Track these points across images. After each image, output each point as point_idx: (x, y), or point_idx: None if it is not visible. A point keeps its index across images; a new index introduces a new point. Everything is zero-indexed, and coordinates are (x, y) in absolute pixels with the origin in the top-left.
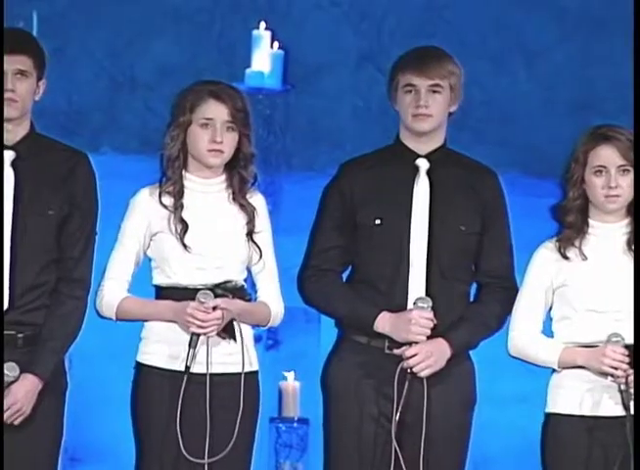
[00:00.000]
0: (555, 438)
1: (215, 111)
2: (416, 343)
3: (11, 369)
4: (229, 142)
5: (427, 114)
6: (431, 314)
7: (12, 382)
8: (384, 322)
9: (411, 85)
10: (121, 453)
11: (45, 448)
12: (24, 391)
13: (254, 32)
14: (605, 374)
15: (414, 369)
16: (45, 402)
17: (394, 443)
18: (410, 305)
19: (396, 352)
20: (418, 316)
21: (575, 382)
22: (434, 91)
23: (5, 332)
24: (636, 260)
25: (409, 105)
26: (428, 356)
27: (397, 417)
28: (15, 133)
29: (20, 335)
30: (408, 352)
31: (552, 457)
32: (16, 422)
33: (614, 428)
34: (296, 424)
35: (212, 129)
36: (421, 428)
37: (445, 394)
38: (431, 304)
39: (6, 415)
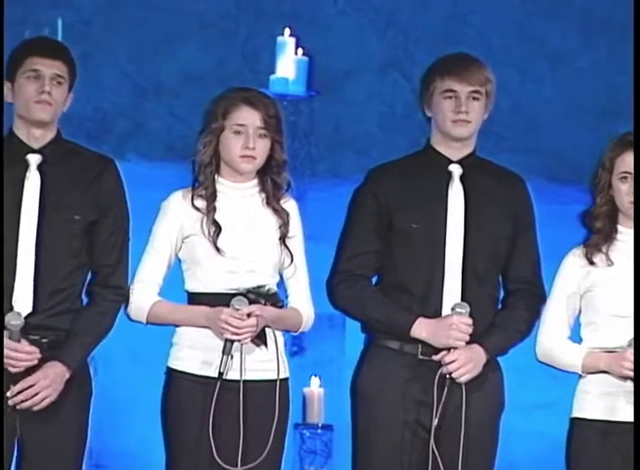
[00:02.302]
0: (579, 443)
1: (248, 117)
2: (454, 348)
3: (13, 318)
4: (261, 148)
5: (467, 120)
6: (470, 320)
7: (19, 331)
8: (421, 328)
9: (452, 91)
10: (147, 459)
11: (70, 453)
12: (52, 371)
13: (279, 39)
14: (626, 378)
15: (453, 374)
16: (70, 408)
17: (434, 448)
18: (445, 310)
19: (435, 357)
20: (458, 322)
21: (600, 387)
22: (474, 98)
23: (30, 336)
24: (636, 260)
25: (448, 110)
26: (467, 362)
27: (435, 422)
28: (42, 139)
29: (44, 340)
30: (448, 357)
31: (576, 462)
32: (43, 403)
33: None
34: (320, 430)
35: (245, 135)
36: (456, 433)
37: (480, 399)
38: (469, 309)
39: (32, 390)
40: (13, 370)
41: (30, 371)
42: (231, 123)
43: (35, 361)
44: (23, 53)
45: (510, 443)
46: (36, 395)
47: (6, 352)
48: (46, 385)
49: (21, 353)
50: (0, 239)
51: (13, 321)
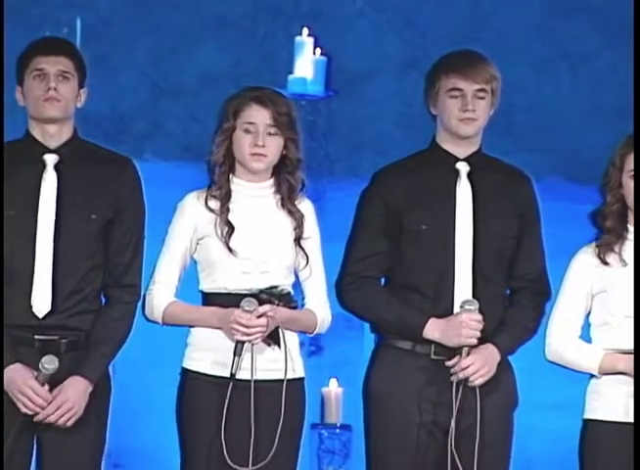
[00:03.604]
0: (593, 444)
1: (257, 115)
2: (467, 346)
3: (50, 362)
4: (272, 146)
5: (473, 118)
6: (479, 316)
7: (50, 375)
8: (433, 329)
9: (457, 89)
10: (165, 459)
11: (89, 454)
12: (74, 390)
13: (297, 39)
14: None
15: (470, 379)
16: (90, 408)
17: (453, 451)
18: (456, 310)
19: (448, 363)
20: (468, 319)
21: (613, 388)
22: (480, 97)
23: (48, 337)
24: (636, 261)
25: (455, 109)
26: (483, 365)
27: (453, 424)
28: (58, 137)
29: (63, 340)
30: (463, 362)
31: (590, 463)
32: (69, 423)
33: None
34: (338, 430)
35: (255, 133)
36: (471, 434)
37: (494, 399)
38: (478, 305)
39: (57, 414)
40: (23, 410)
41: (54, 384)
42: (241, 122)
43: (40, 410)
44: (28, 55)
45: (528, 442)
46: (62, 415)
47: (27, 391)
48: (69, 408)
49: (39, 398)
50: (0, 239)
51: (47, 365)
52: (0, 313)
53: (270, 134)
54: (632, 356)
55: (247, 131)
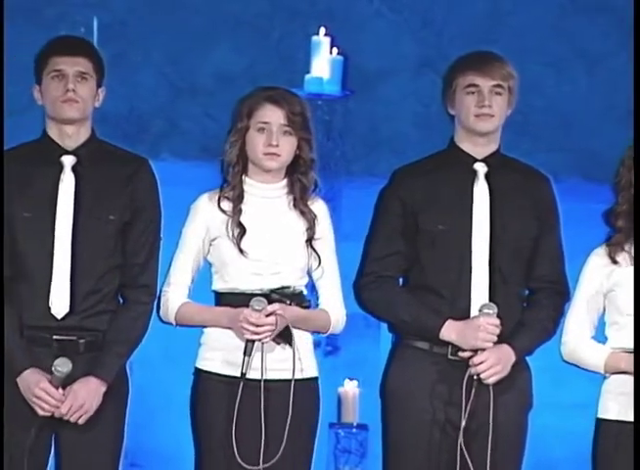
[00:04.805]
0: (604, 444)
1: (271, 115)
2: (483, 349)
3: (62, 364)
4: (286, 146)
5: (490, 114)
6: (497, 320)
7: (63, 378)
8: (449, 331)
9: (474, 86)
10: (182, 459)
11: (107, 453)
12: (86, 389)
13: (314, 38)
14: None
15: (482, 376)
16: (107, 407)
17: (463, 448)
18: (473, 311)
19: (462, 355)
20: (486, 323)
21: (624, 388)
22: (496, 92)
23: (66, 338)
24: (636, 260)
25: (472, 105)
26: (496, 363)
27: (464, 423)
28: (76, 138)
29: (81, 340)
30: (477, 358)
31: (603, 463)
32: (80, 421)
33: None
34: (355, 430)
35: (268, 133)
36: (485, 433)
37: (508, 399)
38: (496, 310)
39: (69, 412)
40: (40, 413)
41: (66, 384)
42: (255, 122)
43: (54, 410)
44: (46, 54)
45: (547, 442)
46: (74, 412)
47: (40, 393)
48: (79, 405)
49: (52, 399)
50: (0, 238)
51: (60, 367)
52: (0, 312)
53: (284, 134)
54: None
55: (261, 131)
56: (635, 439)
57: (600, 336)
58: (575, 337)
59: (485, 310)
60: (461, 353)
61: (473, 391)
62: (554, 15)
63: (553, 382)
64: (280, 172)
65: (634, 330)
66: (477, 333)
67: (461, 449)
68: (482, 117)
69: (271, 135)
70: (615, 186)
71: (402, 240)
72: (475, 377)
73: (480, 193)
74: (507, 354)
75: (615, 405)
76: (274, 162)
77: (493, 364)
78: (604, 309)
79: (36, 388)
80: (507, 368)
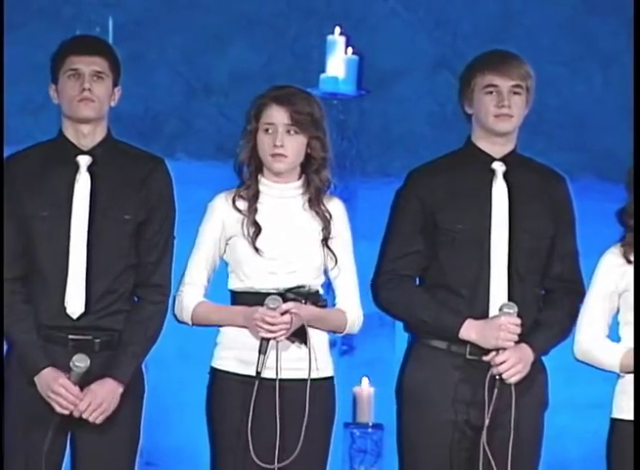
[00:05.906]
0: (619, 444)
1: (276, 115)
2: (503, 349)
3: (81, 360)
4: (292, 146)
5: (509, 114)
6: (518, 320)
7: (82, 374)
8: (469, 330)
9: (493, 86)
10: (197, 458)
11: (123, 452)
12: (104, 389)
13: (329, 38)
14: None
15: (504, 375)
16: (124, 408)
17: (486, 448)
18: (492, 310)
19: (485, 358)
20: (507, 322)
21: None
22: (515, 92)
23: (82, 337)
24: (636, 260)
25: (491, 105)
26: (517, 363)
27: (487, 421)
28: (91, 138)
29: (97, 340)
30: (498, 358)
31: (617, 462)
32: (98, 420)
33: None
34: (370, 429)
35: (273, 133)
36: (504, 433)
37: (526, 399)
38: (516, 309)
39: (89, 409)
40: (58, 410)
41: (87, 385)
42: (262, 123)
43: (72, 408)
44: (63, 53)
45: (564, 442)
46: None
47: (59, 389)
48: (98, 403)
49: (71, 396)
50: (0, 238)
51: (78, 362)
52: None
53: (290, 134)
54: None
55: (267, 131)
56: (635, 438)
57: (613, 335)
58: (589, 336)
59: (506, 310)
60: (485, 357)
61: (495, 391)
62: (568, 13)
63: (567, 381)
64: (293, 172)
65: (634, 329)
66: (498, 332)
67: (484, 449)
68: (502, 117)
69: (276, 136)
70: (627, 185)
71: (421, 239)
72: (497, 377)
73: (499, 192)
74: (527, 354)
75: (629, 405)
76: (281, 163)
77: (515, 364)
78: (617, 309)
79: (55, 384)
80: (527, 368)
